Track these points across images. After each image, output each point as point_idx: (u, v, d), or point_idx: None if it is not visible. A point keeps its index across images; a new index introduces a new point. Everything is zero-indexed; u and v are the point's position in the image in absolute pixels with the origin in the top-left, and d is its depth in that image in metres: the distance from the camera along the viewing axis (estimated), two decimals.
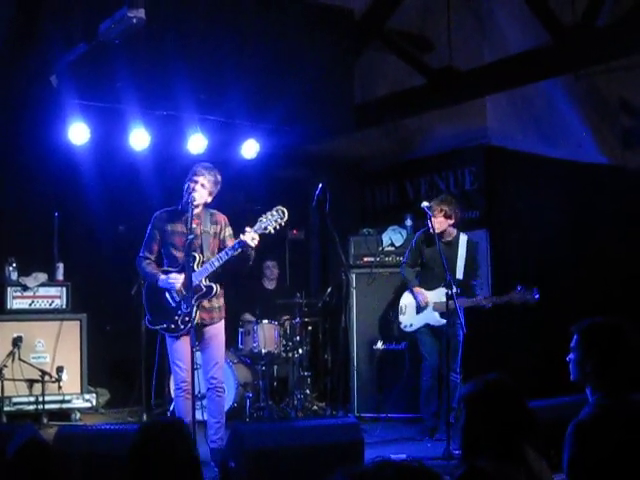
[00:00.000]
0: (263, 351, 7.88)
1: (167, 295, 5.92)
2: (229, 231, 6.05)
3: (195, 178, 5.87)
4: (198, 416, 5.68)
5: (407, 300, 7.30)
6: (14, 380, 7.61)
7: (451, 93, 8.06)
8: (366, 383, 8.11)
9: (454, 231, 7.13)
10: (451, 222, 7.02)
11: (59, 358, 7.92)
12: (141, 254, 6.05)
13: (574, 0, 7.16)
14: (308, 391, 8.38)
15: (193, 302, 5.66)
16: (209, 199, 5.96)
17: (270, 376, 8.15)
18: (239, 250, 5.74)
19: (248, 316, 8.51)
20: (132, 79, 6.32)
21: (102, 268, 8.86)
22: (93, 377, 8.24)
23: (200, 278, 5.81)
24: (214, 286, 5.88)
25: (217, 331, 6.01)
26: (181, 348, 5.85)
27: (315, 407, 8.31)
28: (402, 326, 7.31)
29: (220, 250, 5.91)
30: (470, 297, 6.86)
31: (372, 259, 8.31)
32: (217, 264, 5.79)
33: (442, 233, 6.97)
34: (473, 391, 2.86)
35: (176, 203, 6.02)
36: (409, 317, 7.24)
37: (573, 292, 8.64)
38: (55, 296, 8.12)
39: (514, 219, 8.86)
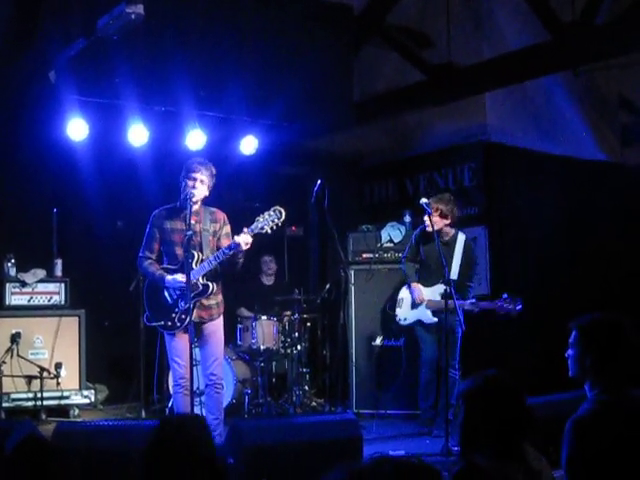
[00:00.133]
0: (262, 347, 7.88)
1: (165, 293, 5.93)
2: (226, 230, 6.04)
3: (193, 175, 5.86)
4: (197, 412, 5.68)
5: (405, 294, 7.35)
6: (12, 376, 7.61)
7: (450, 89, 8.05)
8: (365, 379, 8.12)
9: (451, 231, 7.09)
10: (447, 222, 6.98)
11: (58, 354, 7.92)
12: (141, 254, 6.04)
13: None
14: (307, 387, 8.39)
15: (190, 300, 5.66)
16: (207, 193, 5.96)
17: (269, 372, 8.15)
18: (232, 252, 5.74)
19: (244, 311, 8.51)
20: (131, 75, 6.30)
21: (101, 264, 8.86)
22: (92, 373, 8.24)
23: (197, 276, 5.81)
24: (210, 284, 5.87)
25: (216, 328, 6.01)
26: (179, 345, 5.85)
27: (314, 403, 8.31)
28: (397, 319, 7.35)
29: (217, 249, 5.91)
30: (460, 299, 6.76)
31: (371, 255, 8.31)
32: (214, 262, 5.79)
33: (439, 232, 6.94)
34: (472, 387, 2.87)
35: (174, 200, 6.02)
36: (404, 311, 7.29)
37: (572, 288, 8.63)
38: (54, 292, 8.11)
39: (513, 216, 8.85)
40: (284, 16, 7.02)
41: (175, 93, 6.50)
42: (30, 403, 7.68)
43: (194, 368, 5.67)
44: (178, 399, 5.91)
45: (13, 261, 8.00)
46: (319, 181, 7.54)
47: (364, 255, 8.36)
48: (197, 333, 5.93)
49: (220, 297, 6.05)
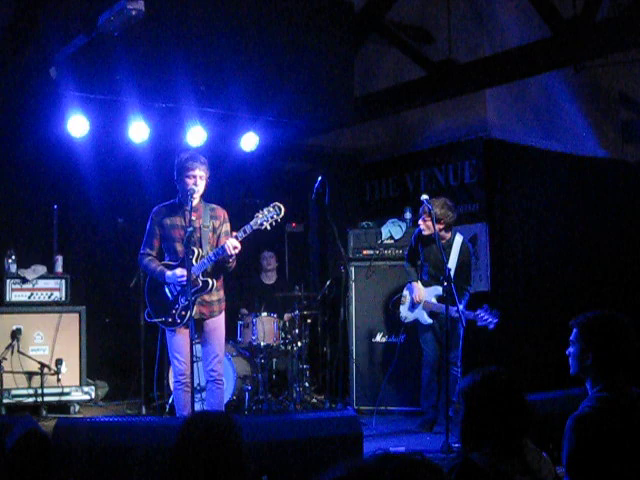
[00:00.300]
0: (262, 344, 7.88)
1: (166, 289, 5.94)
2: (226, 227, 6.02)
3: (191, 173, 5.83)
4: (197, 408, 5.68)
5: (407, 293, 7.33)
6: (13, 372, 7.62)
7: (451, 86, 8.05)
8: (365, 376, 8.12)
9: (447, 234, 6.98)
10: (440, 226, 6.84)
11: (58, 350, 7.92)
12: (142, 251, 6.04)
13: None
14: (307, 384, 8.39)
15: (190, 296, 5.66)
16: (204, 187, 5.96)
17: (269, 369, 8.15)
18: (219, 257, 5.74)
19: (245, 311, 8.52)
20: (131, 71, 6.30)
21: (101, 260, 8.87)
22: (92, 370, 8.25)
23: (198, 273, 5.80)
24: (210, 281, 5.86)
25: (217, 324, 6.01)
26: (180, 341, 5.85)
27: (314, 400, 8.32)
28: (400, 316, 7.33)
29: (217, 245, 5.90)
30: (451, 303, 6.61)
31: (371, 252, 8.30)
32: (214, 259, 5.79)
33: (430, 237, 6.90)
34: (472, 384, 2.87)
35: (175, 196, 6.01)
36: (405, 309, 7.28)
37: (572, 286, 8.64)
38: (54, 288, 8.12)
39: (514, 212, 8.85)
40: (285, 13, 7.02)
41: (176, 89, 6.49)
42: (31, 399, 7.69)
43: (195, 364, 5.67)
44: (178, 395, 5.91)
45: (14, 257, 8.01)
46: (320, 178, 7.54)
47: (365, 252, 8.36)
48: (198, 329, 5.93)
49: (222, 293, 6.05)
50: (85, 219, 8.83)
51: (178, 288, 5.86)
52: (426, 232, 6.93)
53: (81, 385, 7.97)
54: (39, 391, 7.63)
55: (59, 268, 8.23)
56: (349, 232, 8.43)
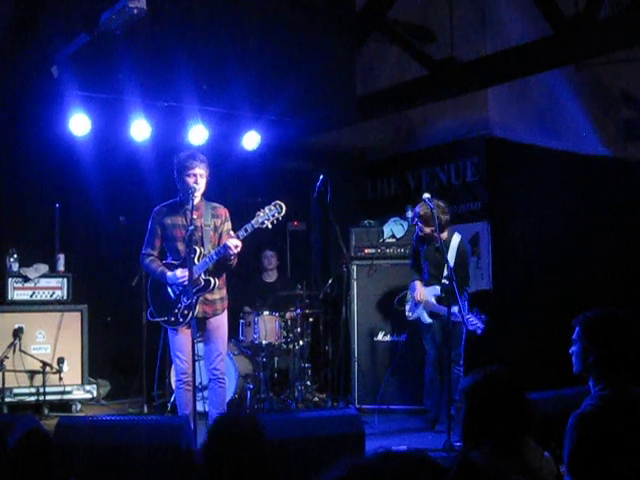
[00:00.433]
0: (264, 342, 7.88)
1: (169, 289, 5.94)
2: (228, 226, 6.03)
3: (191, 172, 5.83)
4: (199, 407, 5.69)
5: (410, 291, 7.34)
6: (15, 371, 7.63)
7: (453, 84, 8.04)
8: (367, 375, 8.11)
9: (442, 235, 6.88)
10: (432, 228, 6.77)
11: (60, 349, 7.93)
12: (144, 251, 6.04)
13: None
14: (309, 382, 8.39)
15: (193, 295, 5.66)
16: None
17: (271, 367, 8.15)
18: (220, 256, 5.74)
19: (248, 309, 8.52)
20: (133, 70, 6.29)
21: (103, 259, 8.87)
22: (94, 368, 8.26)
23: (200, 272, 5.80)
24: (212, 280, 5.86)
25: (220, 323, 6.01)
26: (182, 340, 5.86)
27: (316, 398, 8.32)
28: (406, 314, 7.34)
29: (219, 244, 5.90)
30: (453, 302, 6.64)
31: (373, 250, 8.31)
32: (215, 258, 5.79)
33: (429, 237, 6.91)
34: (473, 383, 2.87)
35: (177, 195, 6.01)
36: (408, 307, 7.29)
37: (574, 284, 8.63)
38: (56, 287, 8.12)
39: (515, 211, 8.84)
40: (286, 12, 7.01)
41: (178, 88, 6.49)
42: (32, 398, 7.70)
43: (197, 363, 5.67)
44: (180, 394, 5.92)
45: (15, 256, 8.02)
46: (321, 176, 7.54)
47: (366, 250, 8.35)
48: (201, 328, 5.93)
49: (224, 292, 6.05)
50: (87, 218, 8.83)
51: (180, 287, 5.86)
52: (422, 233, 6.95)
53: (83, 384, 7.98)
54: (41, 390, 7.64)
55: (61, 267, 8.24)
56: (351, 231, 8.43)
